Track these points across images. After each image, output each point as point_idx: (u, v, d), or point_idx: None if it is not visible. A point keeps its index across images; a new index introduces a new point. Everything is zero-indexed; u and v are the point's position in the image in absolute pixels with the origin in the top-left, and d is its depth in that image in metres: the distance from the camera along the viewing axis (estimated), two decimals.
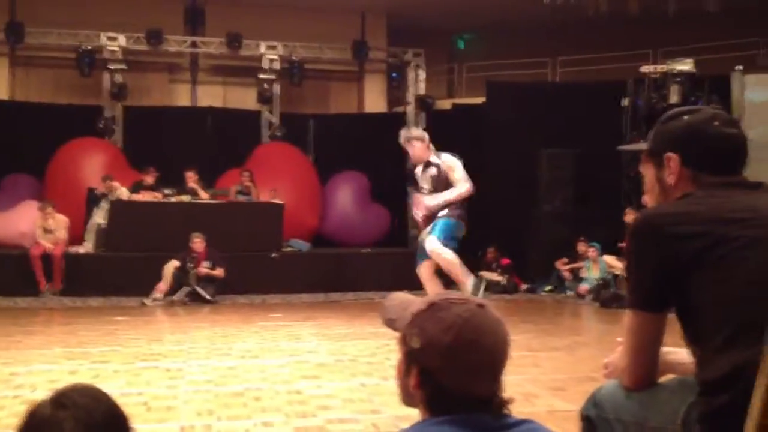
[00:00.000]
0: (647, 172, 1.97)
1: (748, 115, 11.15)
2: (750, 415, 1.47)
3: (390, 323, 1.59)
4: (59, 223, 10.84)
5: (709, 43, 12.92)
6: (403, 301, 1.59)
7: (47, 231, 10.74)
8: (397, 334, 1.49)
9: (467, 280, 6.87)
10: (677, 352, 1.92)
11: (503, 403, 1.43)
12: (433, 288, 6.99)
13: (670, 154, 1.89)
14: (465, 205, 7.06)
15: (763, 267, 1.60)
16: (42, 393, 3.61)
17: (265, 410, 4.41)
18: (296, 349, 6.60)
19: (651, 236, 1.74)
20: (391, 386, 4.13)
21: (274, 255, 11.23)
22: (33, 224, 10.89)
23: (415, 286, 10.34)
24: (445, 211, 6.96)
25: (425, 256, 7.04)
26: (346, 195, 13.59)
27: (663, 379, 1.90)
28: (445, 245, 6.90)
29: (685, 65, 11.22)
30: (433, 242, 6.90)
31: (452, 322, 1.39)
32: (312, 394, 4.79)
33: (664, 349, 1.88)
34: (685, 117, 1.91)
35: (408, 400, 1.47)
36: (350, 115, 15.08)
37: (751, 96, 11.55)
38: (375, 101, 15.47)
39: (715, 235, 1.67)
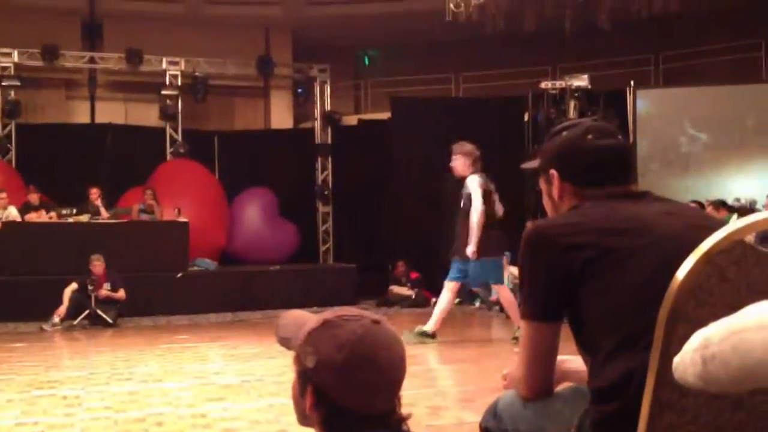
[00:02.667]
0: (542, 187, 2.02)
1: (639, 129, 11.65)
2: (640, 421, 1.50)
3: (284, 342, 1.55)
4: None
5: (604, 59, 13.44)
6: (298, 318, 1.55)
7: None
8: (293, 353, 1.46)
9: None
10: (573, 360, 1.94)
11: (401, 420, 1.41)
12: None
13: (551, 170, 1.94)
14: (486, 236, 7.62)
15: (647, 276, 1.64)
16: None
17: None
18: (202, 371, 6.44)
19: (541, 247, 1.76)
20: None
21: (179, 275, 10.97)
22: None
23: (324, 302, 10.38)
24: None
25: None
26: (253, 212, 13.43)
27: (560, 387, 1.93)
28: (496, 285, 7.74)
29: (582, 81, 11.62)
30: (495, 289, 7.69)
31: (346, 339, 1.36)
32: (217, 417, 4.67)
33: (561, 357, 1.90)
34: (564, 133, 1.96)
35: (304, 420, 1.44)
36: (256, 131, 14.95)
37: (641, 110, 12.08)
38: (281, 117, 15.39)
39: (602, 246, 1.70)
